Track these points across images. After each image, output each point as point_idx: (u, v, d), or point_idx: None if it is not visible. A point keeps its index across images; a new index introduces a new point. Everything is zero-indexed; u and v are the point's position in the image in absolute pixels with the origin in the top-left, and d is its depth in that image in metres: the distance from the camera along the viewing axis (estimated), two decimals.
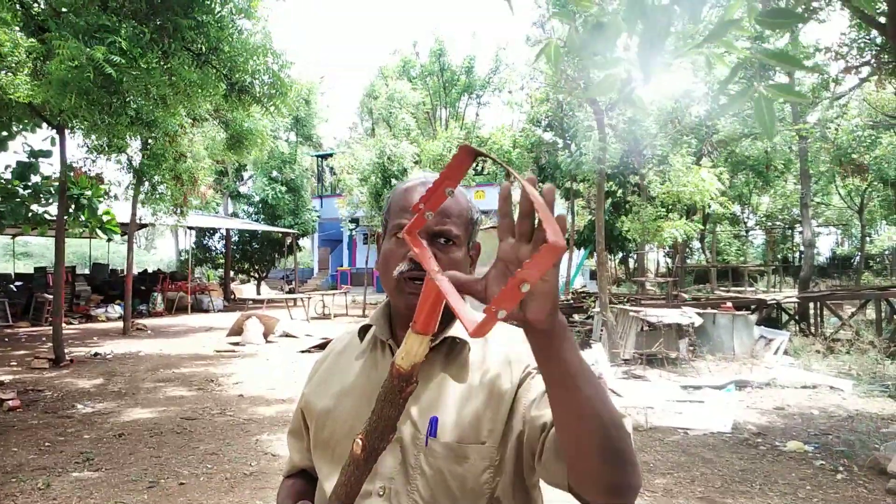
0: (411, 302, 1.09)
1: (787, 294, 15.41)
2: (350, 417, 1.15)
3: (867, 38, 10.57)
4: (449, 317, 1.17)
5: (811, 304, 13.07)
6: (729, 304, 11.72)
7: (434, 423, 1.09)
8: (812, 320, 12.91)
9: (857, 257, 27.48)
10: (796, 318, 13.29)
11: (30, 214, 10.68)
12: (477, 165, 25.85)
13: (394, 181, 18.16)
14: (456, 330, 1.17)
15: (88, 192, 11.11)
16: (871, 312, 12.50)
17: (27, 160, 10.37)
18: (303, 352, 11.40)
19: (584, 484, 0.93)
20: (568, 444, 0.90)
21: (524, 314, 0.79)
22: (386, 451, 1.08)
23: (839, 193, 24.58)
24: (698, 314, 10.35)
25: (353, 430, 1.11)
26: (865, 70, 11.37)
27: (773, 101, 1.46)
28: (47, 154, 10.63)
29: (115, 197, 13.13)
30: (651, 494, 4.62)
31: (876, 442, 5.72)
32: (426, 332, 0.86)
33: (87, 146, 11.91)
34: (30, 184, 10.52)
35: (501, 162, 0.75)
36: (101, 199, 11.68)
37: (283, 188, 26.05)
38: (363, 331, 1.25)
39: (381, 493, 1.08)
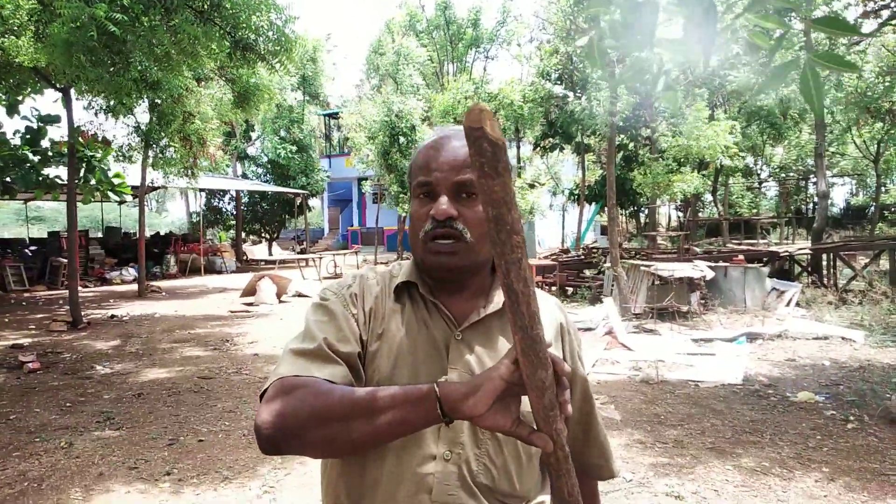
0: (441, 261, 1.08)
1: (800, 246, 15.30)
2: (411, 374, 1.08)
3: None
4: (486, 270, 1.17)
5: (824, 256, 12.99)
6: (741, 256, 11.67)
7: None
8: (825, 272, 12.84)
9: (872, 207, 27.14)
10: (809, 269, 13.22)
11: (40, 179, 10.71)
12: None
13: (402, 139, 18.00)
14: None
15: (98, 155, 11.11)
16: (884, 263, 12.41)
17: (35, 126, 10.36)
18: None
19: None
20: None
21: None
22: None
23: (854, 143, 24.15)
24: (710, 267, 10.32)
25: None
26: (885, 13, 11.03)
27: (819, 75, 1.36)
28: (56, 119, 10.60)
29: (129, 158, 13.10)
30: (662, 446, 4.68)
31: (887, 392, 5.74)
32: None
33: (94, 108, 11.86)
34: (39, 149, 10.53)
35: None
36: (113, 159, 11.70)
37: (294, 148, 25.94)
38: (397, 287, 1.17)
39: (447, 457, 1.04)
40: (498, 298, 1.12)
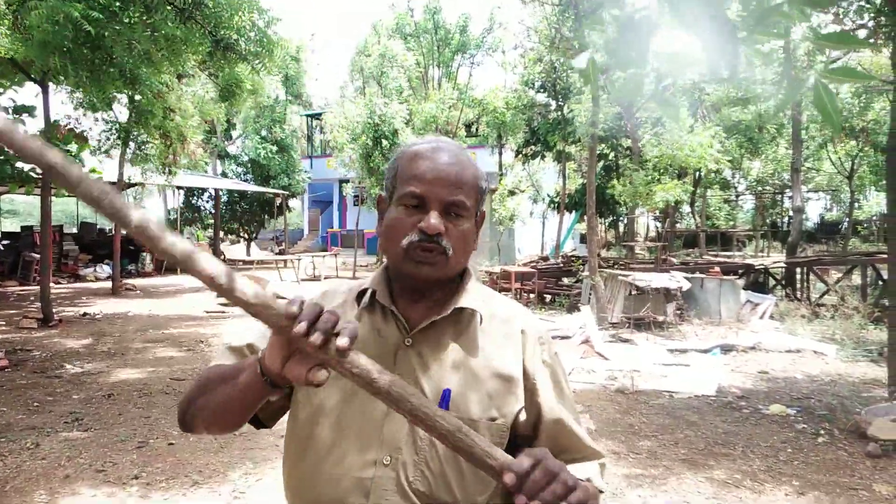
0: (422, 271, 1.09)
1: (775, 259, 15.53)
2: (350, 385, 1.09)
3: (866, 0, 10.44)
4: (453, 285, 1.17)
5: (798, 270, 13.18)
6: (717, 268, 11.80)
7: (447, 395, 1.08)
8: (798, 285, 13.03)
9: (846, 223, 27.64)
10: (783, 282, 13.40)
11: (14, 172, 10.50)
12: (472, 128, 25.61)
13: (384, 142, 17.96)
14: (466, 300, 1.15)
15: (74, 148, 10.93)
16: (857, 278, 12.62)
17: (10, 117, 10.16)
18: None
19: None
20: None
21: None
22: (394, 420, 1.07)
23: (830, 159, 24.60)
24: (686, 278, 10.42)
25: (352, 397, 1.09)
26: (862, 33, 11.24)
27: (831, 90, 1.34)
28: (31, 109, 10.41)
29: (107, 152, 12.89)
30: (636, 457, 4.70)
31: (857, 406, 5.82)
32: None
33: (73, 103, 11.68)
34: None
35: None
36: (90, 154, 11.51)
37: (275, 148, 25.78)
38: (360, 295, 1.20)
39: (387, 462, 1.06)
40: (452, 305, 1.14)
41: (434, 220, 1.07)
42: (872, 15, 10.63)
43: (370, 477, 1.05)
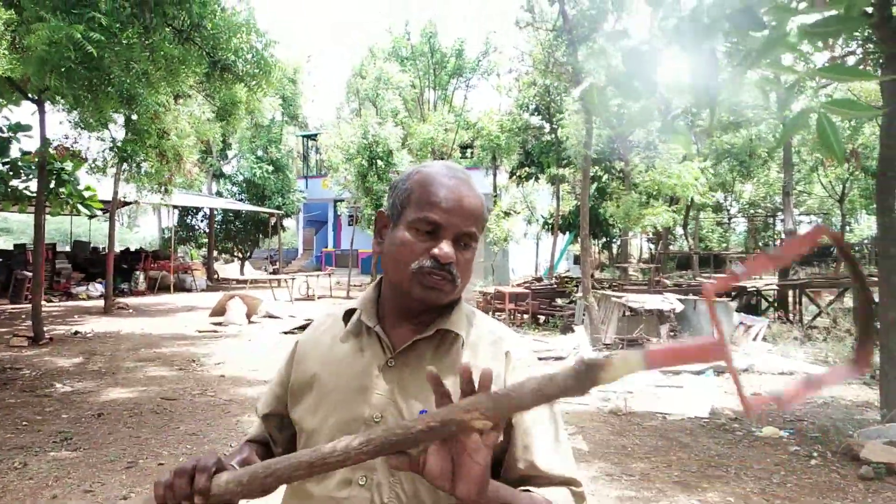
0: (430, 296, 1.10)
1: (767, 281, 15.59)
2: (335, 403, 1.13)
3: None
4: (442, 309, 1.16)
5: (790, 292, 13.23)
6: None
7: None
8: (791, 308, 13.07)
9: None
10: (775, 305, 13.45)
11: (9, 190, 10.49)
12: (466, 151, 25.78)
13: (379, 162, 18.03)
14: (450, 322, 1.15)
15: (69, 166, 10.94)
16: (848, 301, 12.68)
17: (5, 135, 10.18)
18: (285, 333, 11.38)
19: None
20: None
21: (454, 489, 0.85)
22: None
23: (821, 182, 24.81)
24: (679, 300, 10.45)
25: (337, 415, 1.12)
26: (851, 60, 11.41)
27: (834, 122, 1.34)
28: (27, 128, 10.43)
29: (104, 170, 12.87)
30: (629, 478, 4.68)
31: (850, 428, 5.82)
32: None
33: (70, 122, 11.71)
34: (8, 159, 10.34)
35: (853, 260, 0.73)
36: (86, 172, 11.49)
37: (270, 167, 25.86)
38: (348, 315, 1.22)
39: (363, 482, 1.06)
40: (433, 326, 1.15)
41: (448, 248, 1.09)
42: (861, 42, 10.81)
43: (346, 497, 1.07)
